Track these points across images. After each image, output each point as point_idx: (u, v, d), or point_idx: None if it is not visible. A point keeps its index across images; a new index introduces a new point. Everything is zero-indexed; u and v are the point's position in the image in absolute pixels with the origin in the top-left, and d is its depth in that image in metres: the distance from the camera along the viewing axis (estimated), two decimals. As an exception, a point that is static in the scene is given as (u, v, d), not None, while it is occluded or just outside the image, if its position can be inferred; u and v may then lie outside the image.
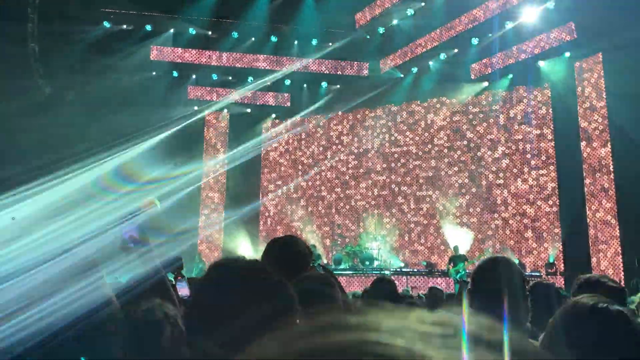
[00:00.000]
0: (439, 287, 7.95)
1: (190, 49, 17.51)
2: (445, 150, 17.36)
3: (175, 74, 17.84)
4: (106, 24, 16.25)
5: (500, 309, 1.76)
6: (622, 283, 12.21)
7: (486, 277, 1.87)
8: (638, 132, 11.96)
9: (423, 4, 16.03)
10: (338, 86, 18.57)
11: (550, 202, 15.63)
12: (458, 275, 12.95)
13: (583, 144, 14.72)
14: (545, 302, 2.77)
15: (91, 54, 15.85)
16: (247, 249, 17.64)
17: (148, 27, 16.72)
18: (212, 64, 17.76)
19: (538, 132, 16.09)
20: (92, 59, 15.90)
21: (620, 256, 13.53)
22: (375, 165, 18.29)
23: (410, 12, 16.30)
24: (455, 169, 17.11)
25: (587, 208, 14.43)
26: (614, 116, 13.66)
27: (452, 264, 13.76)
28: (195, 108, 18.64)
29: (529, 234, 15.75)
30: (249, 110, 19.12)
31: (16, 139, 13.93)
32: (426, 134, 17.75)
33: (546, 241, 15.42)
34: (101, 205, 13.36)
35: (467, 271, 12.73)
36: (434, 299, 5.60)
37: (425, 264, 16.30)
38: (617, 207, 13.76)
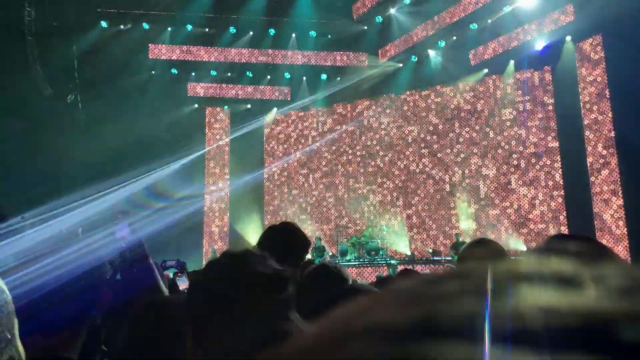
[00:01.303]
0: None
1: (188, 46, 17.49)
2: (448, 138, 17.29)
3: (174, 71, 17.85)
4: (103, 24, 16.24)
5: None
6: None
7: (465, 256, 1.85)
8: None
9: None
10: (338, 78, 18.52)
11: (554, 187, 15.56)
12: None
13: (585, 126, 14.62)
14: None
15: (89, 54, 15.88)
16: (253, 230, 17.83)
17: (145, 26, 16.71)
18: (211, 60, 17.75)
19: (540, 116, 15.99)
20: (91, 60, 15.93)
21: (628, 250, 13.46)
22: (378, 154, 18.25)
23: (407, 0, 16.23)
24: (459, 156, 17.05)
25: (592, 193, 14.34)
26: (616, 98, 13.55)
27: (455, 251, 13.74)
28: (196, 106, 18.70)
29: (534, 222, 15.70)
30: (249, 105, 19.12)
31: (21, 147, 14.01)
32: (428, 122, 17.68)
33: (552, 229, 15.36)
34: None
35: None
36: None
37: (431, 252, 16.30)
38: (622, 194, 13.66)
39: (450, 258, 13.80)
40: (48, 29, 15.02)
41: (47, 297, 1.41)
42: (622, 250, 13.42)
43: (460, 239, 14.34)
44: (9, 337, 0.97)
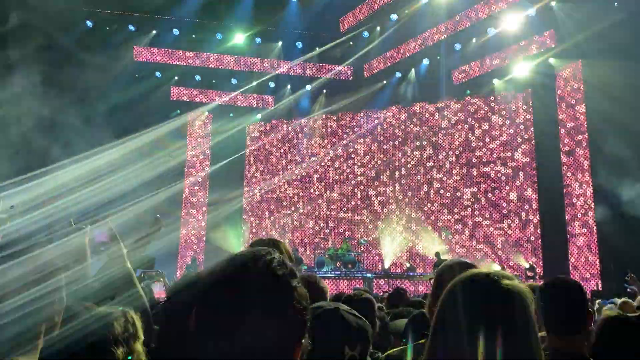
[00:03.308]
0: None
1: (173, 50, 17.42)
2: (428, 155, 17.47)
3: (158, 74, 17.74)
4: (89, 24, 16.09)
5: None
6: (600, 286, 12.44)
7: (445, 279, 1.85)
8: (616, 136, 12.15)
9: (407, 11, 16.20)
10: (325, 91, 18.62)
11: (530, 207, 15.80)
12: None
13: (563, 148, 14.93)
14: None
15: (73, 53, 15.67)
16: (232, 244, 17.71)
17: (131, 28, 16.62)
18: (196, 65, 17.70)
19: (519, 136, 16.27)
20: (74, 59, 15.73)
21: (598, 262, 13.74)
22: (359, 168, 18.34)
23: (394, 17, 16.44)
24: (438, 173, 17.22)
25: (566, 213, 14.63)
26: (593, 121, 13.89)
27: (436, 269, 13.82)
28: (178, 111, 18.58)
29: (510, 240, 15.91)
30: (231, 114, 19.05)
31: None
32: (409, 139, 17.85)
33: (525, 248, 15.59)
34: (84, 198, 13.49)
35: None
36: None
37: (408, 266, 16.39)
38: (595, 212, 13.96)
39: (429, 273, 13.91)
40: (32, 26, 14.79)
41: None
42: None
43: (442, 257, 14.40)
44: None
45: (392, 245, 17.28)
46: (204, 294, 0.98)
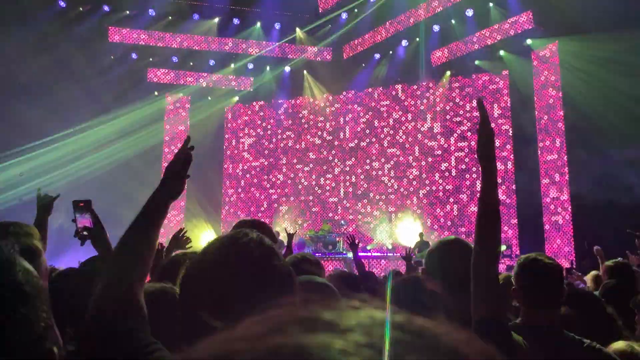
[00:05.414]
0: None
1: (149, 31, 17.09)
2: (408, 137, 17.55)
3: (134, 56, 17.42)
4: (61, 4, 15.69)
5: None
6: (574, 264, 12.74)
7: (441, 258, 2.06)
8: (592, 117, 12.35)
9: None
10: (305, 71, 18.52)
11: (506, 188, 16.02)
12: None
13: (539, 128, 15.15)
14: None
15: (45, 35, 15.27)
16: (210, 234, 17.54)
17: (106, 8, 16.26)
18: (172, 46, 17.41)
19: (497, 115, 16.41)
20: (47, 41, 15.33)
21: (572, 241, 14.07)
22: (339, 150, 18.36)
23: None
24: (417, 155, 17.33)
25: (541, 194, 14.89)
26: (569, 102, 14.08)
27: (417, 250, 13.94)
28: (156, 93, 18.30)
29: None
30: (209, 97, 18.81)
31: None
32: (388, 121, 17.90)
33: (502, 230, 15.82)
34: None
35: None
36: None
37: (391, 247, 16.55)
38: (570, 193, 14.23)
39: (413, 255, 14.04)
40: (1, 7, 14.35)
41: None
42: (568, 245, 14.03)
43: (424, 238, 14.49)
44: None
45: (373, 226, 17.42)
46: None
